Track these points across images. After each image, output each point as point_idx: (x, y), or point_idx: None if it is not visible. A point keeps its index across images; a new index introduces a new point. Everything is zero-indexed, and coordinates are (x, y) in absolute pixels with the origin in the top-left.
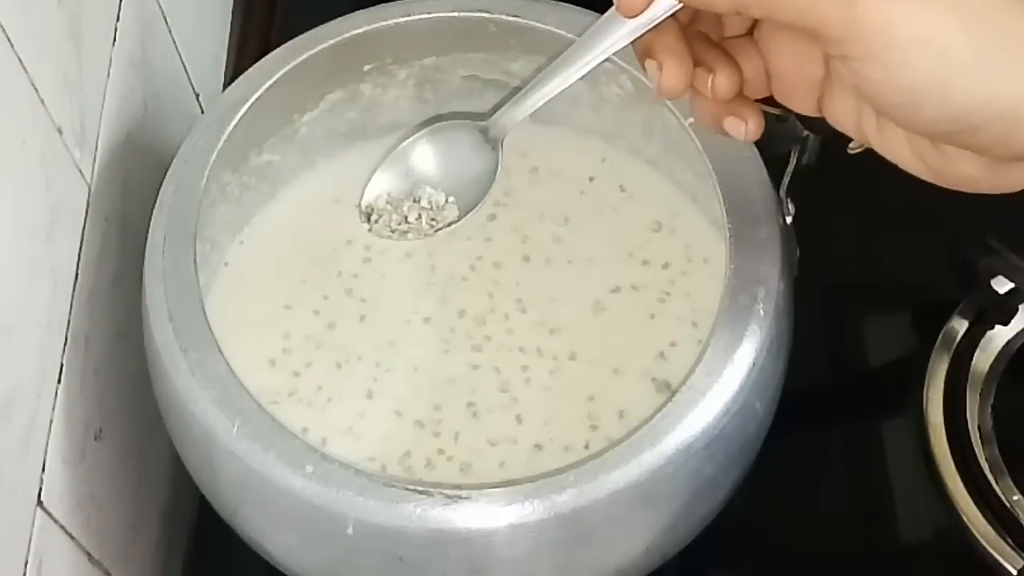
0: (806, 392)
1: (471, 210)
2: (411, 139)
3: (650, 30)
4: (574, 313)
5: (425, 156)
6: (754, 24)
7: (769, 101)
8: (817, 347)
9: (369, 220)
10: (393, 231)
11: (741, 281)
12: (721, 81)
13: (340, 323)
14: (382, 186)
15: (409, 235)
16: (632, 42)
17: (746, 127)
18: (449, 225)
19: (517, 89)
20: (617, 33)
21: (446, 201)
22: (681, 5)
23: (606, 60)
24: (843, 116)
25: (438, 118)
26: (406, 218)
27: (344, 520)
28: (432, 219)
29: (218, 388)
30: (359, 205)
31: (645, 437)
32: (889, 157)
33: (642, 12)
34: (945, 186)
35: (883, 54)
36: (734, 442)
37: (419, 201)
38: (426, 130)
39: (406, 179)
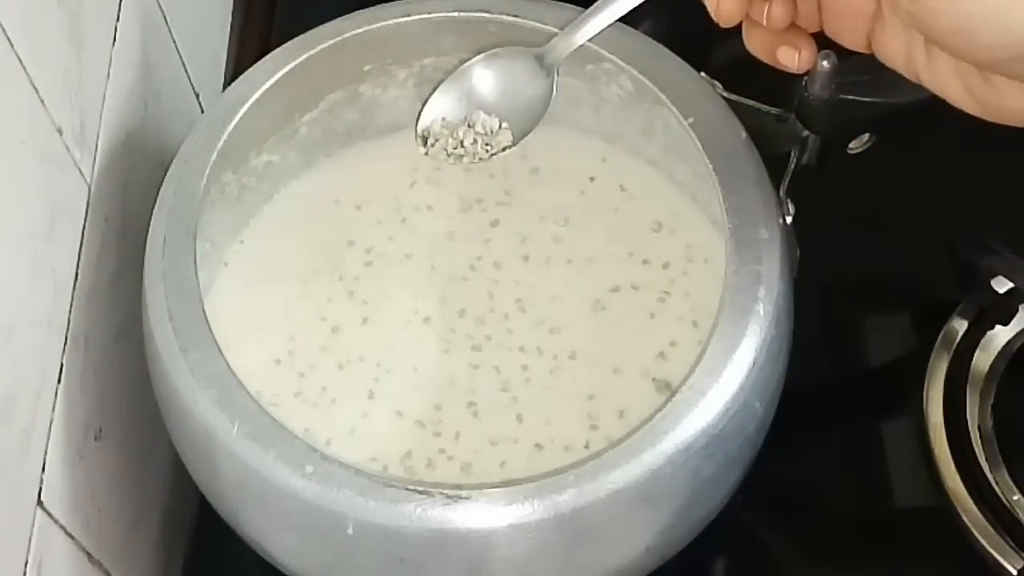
0: (806, 392)
1: (525, 135)
2: (467, 64)
3: None
4: (574, 313)
5: (480, 82)
6: None
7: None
8: (817, 347)
9: (425, 144)
10: (449, 155)
11: (741, 281)
12: (776, 10)
13: (342, 324)
14: (437, 110)
15: (465, 159)
16: None
17: (799, 56)
18: (504, 150)
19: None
20: None
21: (500, 126)
22: None
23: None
24: (893, 51)
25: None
26: (461, 143)
27: (344, 520)
28: (487, 144)
29: (218, 388)
30: (415, 128)
31: (645, 437)
32: (938, 91)
33: None
34: (992, 120)
35: None
36: (734, 442)
37: (473, 126)
38: (482, 56)
39: (461, 104)
